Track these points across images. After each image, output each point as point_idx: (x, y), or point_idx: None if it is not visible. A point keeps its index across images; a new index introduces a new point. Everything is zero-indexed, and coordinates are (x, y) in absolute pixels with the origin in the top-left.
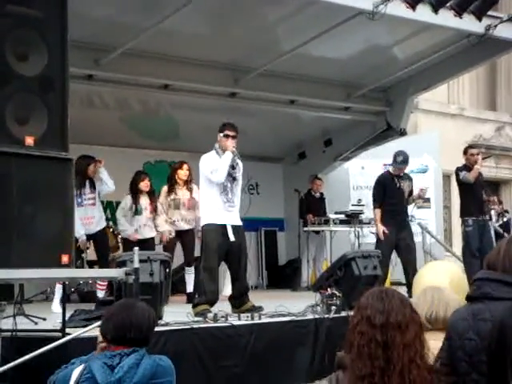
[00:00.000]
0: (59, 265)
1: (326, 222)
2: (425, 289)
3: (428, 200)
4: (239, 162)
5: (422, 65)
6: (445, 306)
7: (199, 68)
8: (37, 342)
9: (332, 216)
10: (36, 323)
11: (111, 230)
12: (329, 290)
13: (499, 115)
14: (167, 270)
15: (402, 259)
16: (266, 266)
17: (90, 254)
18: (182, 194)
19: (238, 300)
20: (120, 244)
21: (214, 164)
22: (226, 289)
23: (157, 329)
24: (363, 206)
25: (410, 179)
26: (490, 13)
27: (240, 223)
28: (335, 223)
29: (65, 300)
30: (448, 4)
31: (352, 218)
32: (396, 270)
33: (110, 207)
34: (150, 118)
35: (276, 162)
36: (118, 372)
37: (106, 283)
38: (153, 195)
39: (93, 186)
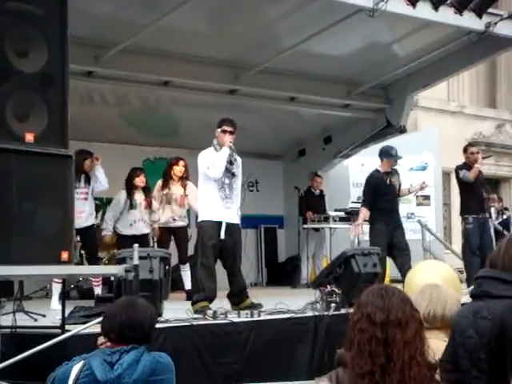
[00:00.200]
0: (59, 261)
1: (326, 220)
2: (423, 287)
3: (428, 197)
4: (237, 157)
5: (422, 62)
6: (443, 304)
7: (199, 65)
8: (36, 339)
9: (332, 213)
10: (36, 320)
11: None
12: (328, 287)
13: (499, 113)
14: (167, 267)
15: (396, 257)
16: (266, 263)
17: None
18: (175, 189)
19: (237, 297)
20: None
21: (211, 159)
22: None
23: (156, 325)
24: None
25: (398, 173)
26: (490, 10)
27: (237, 221)
28: (335, 220)
29: (64, 297)
30: (448, 1)
31: (352, 216)
32: (395, 268)
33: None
34: (150, 115)
35: (276, 159)
36: (118, 369)
37: (100, 278)
38: (148, 191)
39: (87, 181)
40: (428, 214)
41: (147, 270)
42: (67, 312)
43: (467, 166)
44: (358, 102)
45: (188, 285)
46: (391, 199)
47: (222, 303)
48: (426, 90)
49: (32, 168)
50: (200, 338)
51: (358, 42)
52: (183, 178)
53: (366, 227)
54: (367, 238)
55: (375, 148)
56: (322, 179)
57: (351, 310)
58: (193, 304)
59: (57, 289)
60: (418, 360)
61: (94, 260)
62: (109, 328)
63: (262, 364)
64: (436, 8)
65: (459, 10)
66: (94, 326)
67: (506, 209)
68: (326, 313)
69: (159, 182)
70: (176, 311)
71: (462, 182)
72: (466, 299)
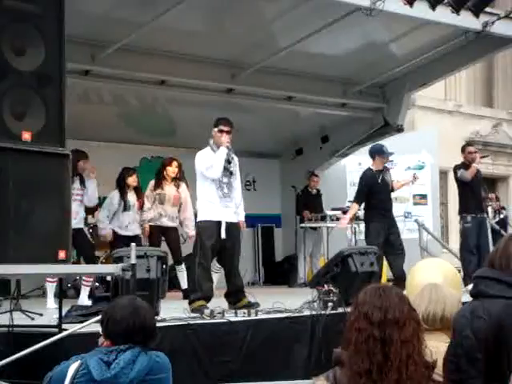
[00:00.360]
0: (56, 260)
1: (323, 219)
2: (422, 288)
3: (425, 197)
4: (234, 156)
5: (419, 61)
6: (442, 305)
7: (196, 64)
8: (33, 338)
9: (329, 212)
10: (33, 319)
11: None
12: (325, 286)
13: (496, 112)
14: (164, 266)
15: (389, 256)
16: (263, 262)
17: None
18: (168, 189)
19: (234, 296)
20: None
21: (209, 160)
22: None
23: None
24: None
25: (388, 169)
26: (487, 9)
27: (236, 220)
28: (332, 220)
29: (61, 296)
30: (445, 0)
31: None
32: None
33: None
34: (147, 114)
35: (273, 158)
36: (115, 368)
37: (90, 280)
38: (139, 191)
39: (82, 183)
40: (425, 214)
41: (144, 269)
42: (64, 311)
43: (465, 165)
44: (355, 101)
45: (184, 284)
46: (385, 198)
47: (219, 302)
48: (423, 89)
49: (29, 167)
50: (197, 337)
51: (355, 41)
52: (176, 179)
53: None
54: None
55: None
56: (319, 178)
57: (348, 310)
58: (190, 303)
59: (50, 288)
60: (416, 359)
61: (91, 261)
62: (115, 333)
63: (259, 363)
64: (433, 7)
65: (456, 9)
66: (91, 325)
67: (503, 208)
68: (323, 312)
69: (152, 182)
70: (173, 310)
71: (460, 182)
72: (466, 298)
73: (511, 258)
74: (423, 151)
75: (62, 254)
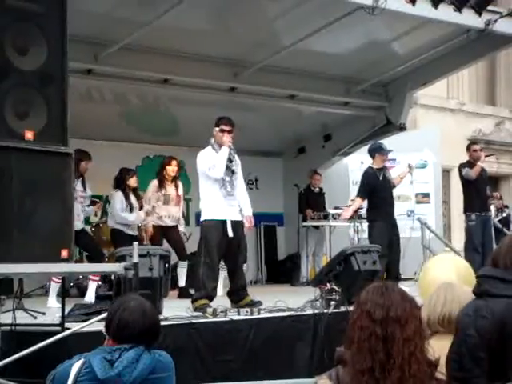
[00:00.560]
0: (59, 259)
1: (326, 217)
2: (438, 287)
3: (427, 195)
4: (236, 155)
5: (422, 60)
6: (457, 304)
7: (198, 62)
8: (36, 337)
9: (331, 211)
10: (35, 317)
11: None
12: (328, 285)
13: (499, 110)
14: (166, 265)
15: (389, 255)
16: (266, 260)
17: None
18: (170, 189)
19: (237, 295)
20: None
21: (211, 160)
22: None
23: None
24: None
25: (387, 168)
26: (489, 8)
27: (240, 218)
28: (334, 218)
29: (64, 294)
30: None
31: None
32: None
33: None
34: (149, 113)
35: (276, 156)
36: (118, 367)
37: (97, 277)
38: (138, 192)
39: (84, 186)
40: (427, 212)
41: (147, 268)
42: (67, 310)
43: (470, 164)
44: (358, 100)
45: (182, 282)
46: (387, 195)
47: (221, 301)
48: (425, 87)
49: (32, 166)
50: (199, 335)
51: (358, 39)
52: (176, 178)
53: (366, 224)
54: (367, 235)
55: None
56: (321, 176)
57: (351, 308)
58: (193, 302)
59: (54, 288)
60: (418, 357)
61: (99, 258)
62: (125, 336)
63: (262, 362)
64: (435, 6)
65: (458, 7)
66: (94, 324)
67: (506, 206)
68: (325, 311)
69: (154, 183)
70: (175, 309)
71: (464, 180)
72: None
73: None
74: (426, 150)
75: (64, 253)
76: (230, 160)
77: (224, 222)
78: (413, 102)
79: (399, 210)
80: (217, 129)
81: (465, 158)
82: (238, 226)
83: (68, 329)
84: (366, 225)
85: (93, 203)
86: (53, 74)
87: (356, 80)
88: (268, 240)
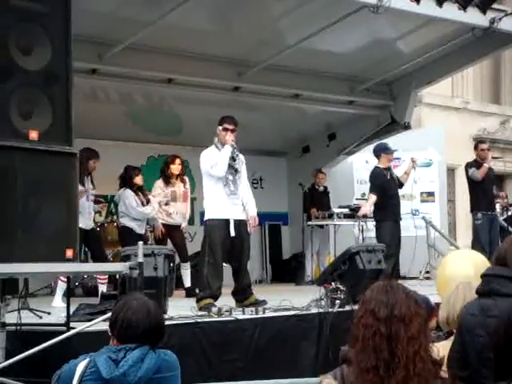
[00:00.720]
0: (64, 259)
1: (330, 216)
2: (457, 286)
3: (432, 194)
4: (240, 154)
5: (426, 58)
6: None
7: (203, 62)
8: (41, 336)
9: (336, 210)
10: (40, 317)
11: (115, 224)
12: (333, 284)
13: (503, 109)
14: (171, 265)
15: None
16: (270, 260)
17: None
18: (177, 187)
19: (242, 294)
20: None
21: (214, 159)
22: None
23: None
24: (367, 200)
25: (391, 167)
26: (494, 6)
27: (244, 217)
28: (339, 217)
29: (69, 294)
30: None
31: (356, 212)
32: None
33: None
34: (154, 112)
35: (280, 156)
36: (123, 366)
37: (105, 277)
38: (143, 189)
39: (93, 184)
40: (432, 211)
41: (152, 268)
42: (72, 309)
43: (477, 163)
44: (362, 99)
45: (188, 283)
46: (394, 194)
47: (226, 300)
48: (430, 86)
49: (36, 166)
50: (204, 335)
51: (362, 38)
52: (180, 175)
53: (371, 223)
54: (372, 234)
55: None
56: (325, 175)
57: (356, 307)
58: (197, 301)
59: (61, 287)
60: (423, 356)
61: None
62: (130, 337)
63: (267, 361)
64: (440, 4)
65: (463, 5)
66: (99, 324)
67: (511, 205)
68: (330, 310)
69: (159, 184)
70: (180, 308)
71: (471, 180)
72: None
73: None
74: (430, 148)
75: (69, 253)
76: (233, 159)
77: (227, 221)
78: (417, 100)
79: (404, 208)
80: (220, 128)
81: (469, 156)
82: (241, 225)
83: (73, 328)
84: (370, 224)
85: (97, 202)
86: (57, 73)
87: (360, 79)
88: (273, 239)
